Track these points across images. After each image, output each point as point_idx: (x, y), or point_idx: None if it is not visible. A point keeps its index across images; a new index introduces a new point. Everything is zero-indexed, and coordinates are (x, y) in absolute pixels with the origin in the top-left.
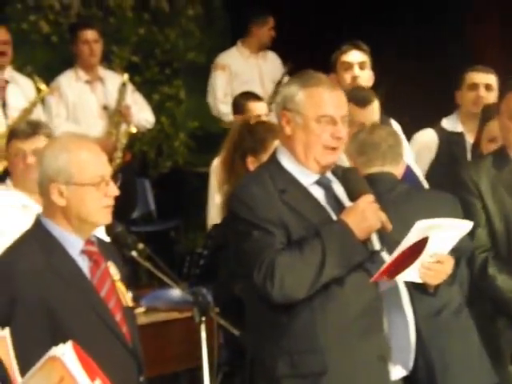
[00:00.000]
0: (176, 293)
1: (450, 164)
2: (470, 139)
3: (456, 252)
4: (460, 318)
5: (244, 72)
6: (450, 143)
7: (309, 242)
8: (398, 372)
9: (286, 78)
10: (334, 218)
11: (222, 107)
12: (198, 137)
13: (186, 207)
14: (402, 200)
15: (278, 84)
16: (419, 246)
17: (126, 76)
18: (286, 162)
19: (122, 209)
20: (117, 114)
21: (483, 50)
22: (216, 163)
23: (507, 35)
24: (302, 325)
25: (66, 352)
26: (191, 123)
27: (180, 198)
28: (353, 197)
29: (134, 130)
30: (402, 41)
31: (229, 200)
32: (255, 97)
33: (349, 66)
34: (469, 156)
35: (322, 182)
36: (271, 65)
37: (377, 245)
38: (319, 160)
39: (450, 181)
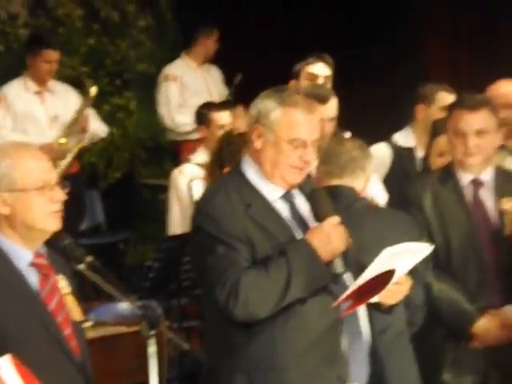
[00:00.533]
0: (125, 306)
1: (401, 179)
2: (420, 153)
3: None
4: (400, 341)
5: (193, 83)
6: (401, 158)
7: (274, 261)
8: None
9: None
10: (298, 236)
11: (179, 117)
12: (148, 148)
13: (136, 219)
14: (360, 218)
15: (230, 95)
16: (385, 278)
17: (94, 89)
18: (252, 174)
19: (70, 220)
20: (74, 124)
21: (432, 70)
22: (175, 174)
23: (455, 58)
24: (263, 343)
25: (2, 365)
26: (142, 134)
27: (130, 209)
28: (319, 218)
29: (86, 142)
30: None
31: (193, 212)
32: (219, 106)
33: (314, 78)
34: (419, 170)
35: (287, 198)
36: (214, 77)
37: (339, 267)
38: (286, 179)
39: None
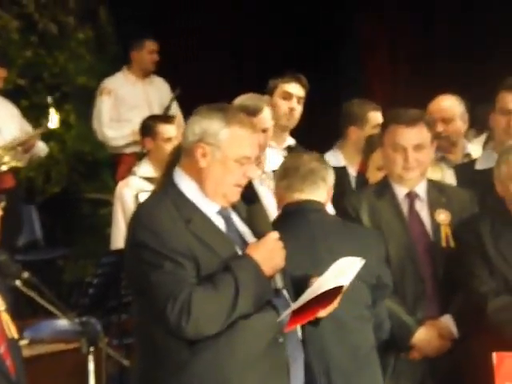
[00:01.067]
0: (63, 323)
1: (337, 198)
2: (352, 172)
3: (376, 290)
4: (369, 360)
5: (131, 97)
6: (335, 178)
7: (221, 277)
8: None
9: (175, 103)
10: (239, 252)
11: (108, 132)
12: (87, 162)
13: (75, 235)
14: (331, 232)
15: (167, 109)
16: (333, 294)
17: (56, 119)
18: (188, 189)
19: (6, 236)
20: (20, 144)
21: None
22: (120, 187)
23: (397, 72)
24: (207, 358)
25: None
26: (81, 148)
27: (69, 225)
28: (258, 233)
29: (23, 163)
30: None
31: (131, 226)
32: (165, 119)
33: (288, 96)
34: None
35: (223, 213)
36: (158, 90)
37: (279, 282)
38: (229, 197)
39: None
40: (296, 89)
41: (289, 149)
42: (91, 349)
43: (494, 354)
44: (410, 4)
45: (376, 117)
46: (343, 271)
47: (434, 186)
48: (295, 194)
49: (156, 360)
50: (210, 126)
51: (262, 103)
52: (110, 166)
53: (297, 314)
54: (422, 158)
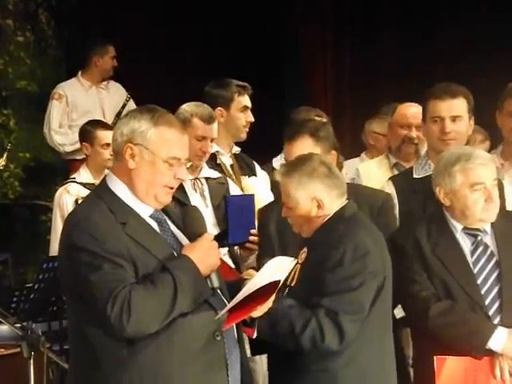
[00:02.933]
0: (3, 328)
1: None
2: None
3: None
4: None
5: (83, 103)
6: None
7: (159, 277)
8: None
9: (127, 108)
10: (175, 253)
11: (57, 138)
12: (29, 168)
13: (15, 241)
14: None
15: (119, 114)
16: (269, 289)
17: None
18: (121, 192)
19: None
20: None
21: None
22: (59, 193)
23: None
24: (147, 358)
25: None
26: (22, 154)
27: (9, 231)
28: (193, 234)
29: None
30: None
31: (67, 230)
32: (103, 125)
33: (245, 109)
34: None
35: (156, 216)
36: (114, 95)
37: (215, 281)
38: (159, 199)
39: None
40: (249, 101)
41: (235, 156)
42: (32, 353)
43: (435, 358)
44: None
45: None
46: (277, 269)
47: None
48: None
49: (93, 361)
50: (138, 126)
51: (214, 113)
52: (51, 171)
53: (234, 311)
54: None
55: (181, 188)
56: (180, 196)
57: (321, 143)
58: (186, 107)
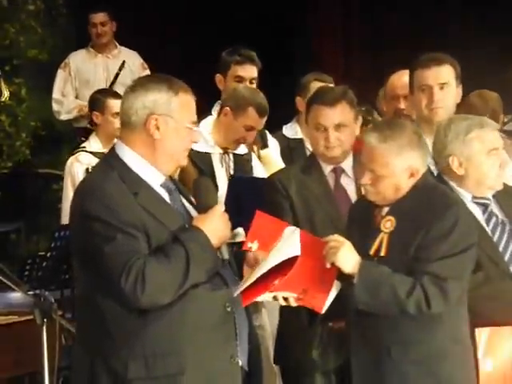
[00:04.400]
0: (16, 296)
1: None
2: (309, 145)
3: None
4: None
5: (87, 71)
6: (290, 149)
7: (173, 248)
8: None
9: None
10: (186, 225)
11: (54, 106)
12: (40, 136)
13: (27, 209)
14: None
15: (112, 84)
16: (287, 265)
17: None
18: (132, 162)
19: None
20: None
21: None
22: (70, 162)
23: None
24: (159, 328)
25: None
26: (33, 122)
27: (21, 199)
28: (204, 206)
29: None
30: None
31: (80, 199)
32: (114, 94)
33: (240, 80)
34: None
35: (167, 186)
36: (130, 64)
37: (226, 253)
38: (181, 162)
39: None
40: (249, 71)
41: None
42: (45, 321)
43: (476, 330)
44: None
45: (318, 86)
46: (289, 244)
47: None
48: None
49: (104, 331)
50: (160, 97)
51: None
52: (62, 140)
53: (250, 288)
54: (343, 137)
55: (207, 160)
56: (204, 167)
57: (354, 111)
58: (244, 92)
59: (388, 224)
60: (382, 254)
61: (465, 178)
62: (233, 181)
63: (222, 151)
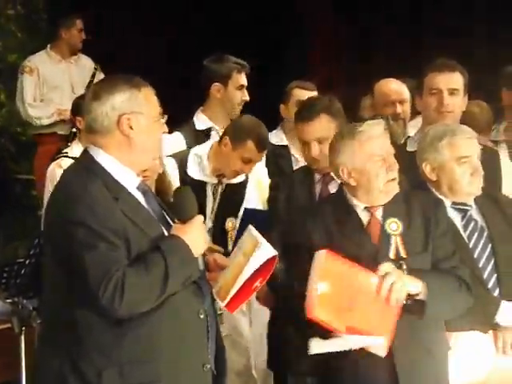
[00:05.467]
0: None
1: (277, 176)
2: (294, 152)
3: None
4: None
5: (53, 77)
6: (276, 156)
7: (152, 259)
8: None
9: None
10: (165, 231)
11: (32, 111)
12: (20, 142)
13: (6, 215)
14: None
15: (87, 88)
16: (267, 266)
17: None
18: (110, 166)
19: None
20: None
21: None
22: (52, 168)
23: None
24: (137, 336)
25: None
26: (13, 128)
27: (0, 206)
28: (184, 215)
29: None
30: None
31: (61, 203)
32: None
33: (241, 88)
34: (294, 167)
35: (142, 187)
36: (83, 69)
37: (201, 264)
38: (156, 154)
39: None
40: (246, 80)
41: None
42: (23, 329)
43: None
44: None
45: (299, 93)
46: (257, 242)
47: None
48: None
49: (77, 335)
50: (125, 96)
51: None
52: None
53: (236, 295)
54: (325, 149)
55: (202, 188)
56: (197, 194)
57: (336, 119)
58: (245, 123)
59: (394, 226)
60: (404, 255)
61: (438, 183)
62: (245, 213)
63: (216, 181)
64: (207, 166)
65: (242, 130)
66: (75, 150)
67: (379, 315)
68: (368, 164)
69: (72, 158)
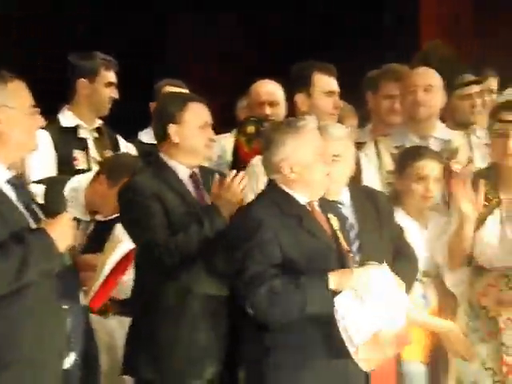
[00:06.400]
0: None
1: None
2: None
3: None
4: None
5: None
6: (146, 154)
7: (12, 244)
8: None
9: None
10: (33, 224)
11: None
12: None
13: None
14: None
15: None
16: (124, 260)
17: None
18: None
19: None
20: None
21: None
22: None
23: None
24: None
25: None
26: None
27: None
28: (53, 209)
29: None
30: None
31: None
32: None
33: (110, 85)
34: None
35: (12, 182)
36: None
37: (68, 259)
38: (32, 147)
39: None
40: (115, 77)
41: (98, 129)
42: None
43: None
44: None
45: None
46: (118, 239)
47: None
48: None
49: None
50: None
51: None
52: None
53: (99, 290)
54: None
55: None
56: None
57: None
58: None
59: (336, 222)
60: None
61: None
62: None
63: (89, 219)
64: (81, 203)
65: (119, 168)
66: None
67: None
68: (312, 157)
69: None
